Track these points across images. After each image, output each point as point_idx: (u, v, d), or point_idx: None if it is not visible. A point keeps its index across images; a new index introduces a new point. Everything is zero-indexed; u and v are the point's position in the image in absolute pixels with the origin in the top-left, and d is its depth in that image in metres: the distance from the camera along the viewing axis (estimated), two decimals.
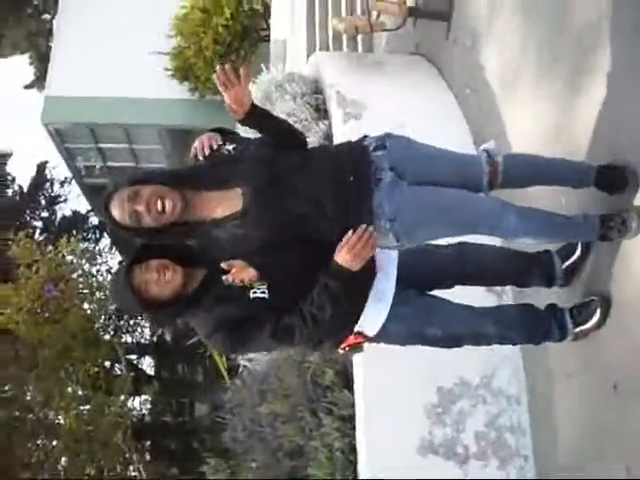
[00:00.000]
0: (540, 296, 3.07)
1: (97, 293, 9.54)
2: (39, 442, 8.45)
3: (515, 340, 2.94)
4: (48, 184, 17.97)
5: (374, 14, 5.75)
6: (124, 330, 12.34)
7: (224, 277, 2.31)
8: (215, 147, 2.55)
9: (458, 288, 2.88)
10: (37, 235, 15.64)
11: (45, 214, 17.84)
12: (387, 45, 6.03)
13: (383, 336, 2.63)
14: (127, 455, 8.78)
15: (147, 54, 11.72)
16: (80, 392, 8.92)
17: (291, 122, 4.73)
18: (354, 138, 2.71)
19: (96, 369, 9.32)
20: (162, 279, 2.37)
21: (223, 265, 2.32)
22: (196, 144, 2.61)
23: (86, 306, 9.49)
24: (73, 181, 16.51)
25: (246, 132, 2.88)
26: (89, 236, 16.84)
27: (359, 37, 6.48)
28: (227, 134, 2.65)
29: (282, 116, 4.84)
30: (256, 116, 2.52)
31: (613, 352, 2.78)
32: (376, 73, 5.15)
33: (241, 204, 2.44)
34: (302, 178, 2.47)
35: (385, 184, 2.51)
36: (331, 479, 3.73)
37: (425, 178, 2.61)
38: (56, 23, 14.16)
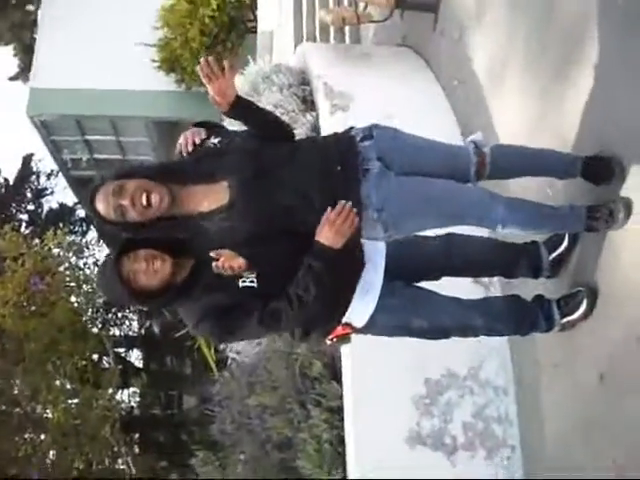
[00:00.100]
0: (527, 287, 3.08)
1: (84, 286, 9.48)
2: (26, 436, 8.39)
3: (502, 331, 2.95)
4: (34, 177, 17.85)
5: (361, 5, 5.73)
6: (112, 323, 12.29)
7: (213, 264, 2.30)
8: (198, 142, 2.54)
9: (445, 279, 2.89)
10: (23, 228, 15.53)
11: (31, 207, 17.73)
12: (374, 37, 6.02)
13: (370, 327, 2.63)
14: (115, 448, 8.75)
15: (133, 45, 11.64)
16: (68, 385, 8.88)
17: (278, 114, 4.76)
18: (341, 130, 2.71)
19: (84, 362, 9.27)
20: (151, 269, 2.36)
21: (212, 254, 2.31)
22: (180, 140, 2.60)
23: (73, 299, 9.43)
24: (59, 174, 16.41)
25: (231, 124, 2.87)
26: (76, 229, 16.75)
27: (346, 28, 6.45)
28: (212, 127, 2.64)
29: (269, 107, 4.83)
30: (241, 108, 2.51)
31: (600, 343, 2.79)
32: (363, 65, 5.13)
33: (227, 197, 2.43)
34: (289, 170, 2.46)
35: (373, 174, 2.51)
36: (319, 471, 3.74)
37: (412, 169, 2.61)
38: (40, 14, 14.03)
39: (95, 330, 10.12)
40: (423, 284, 2.80)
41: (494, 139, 3.69)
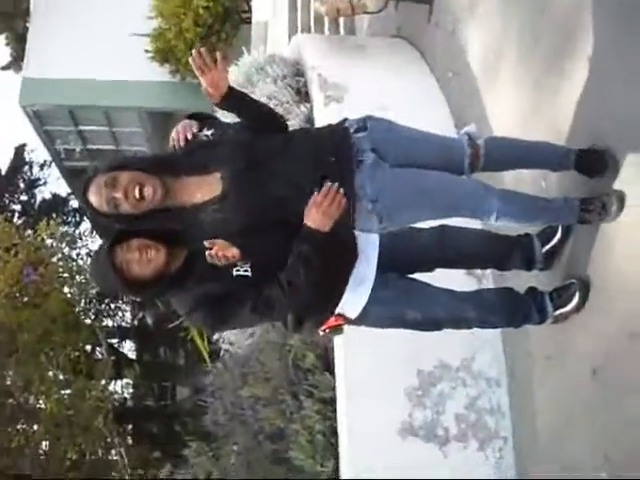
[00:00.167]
0: (520, 279, 3.09)
1: (77, 277, 9.48)
2: (19, 427, 8.40)
3: (495, 323, 2.96)
4: (27, 167, 17.82)
5: None
6: (105, 314, 12.29)
7: (206, 253, 2.30)
8: (190, 137, 2.53)
9: (439, 271, 2.89)
10: (16, 219, 15.50)
11: (24, 197, 17.69)
12: (369, 28, 6.01)
13: (363, 318, 2.64)
14: (109, 439, 8.76)
15: (127, 36, 11.59)
16: (61, 376, 8.88)
17: (272, 105, 4.75)
18: (335, 121, 2.70)
19: (77, 353, 9.28)
20: (144, 258, 2.36)
21: (205, 243, 2.31)
22: (173, 134, 2.59)
23: (66, 290, 9.42)
24: (52, 164, 16.36)
25: (224, 116, 2.86)
26: (69, 219, 16.74)
27: (341, 20, 6.43)
28: (205, 119, 2.63)
29: (263, 99, 4.82)
30: (233, 99, 2.50)
31: (592, 335, 2.80)
32: (358, 56, 5.12)
33: (220, 188, 2.43)
34: (282, 161, 2.46)
35: (367, 165, 2.51)
36: (312, 461, 3.75)
37: (407, 160, 2.61)
38: (33, 3, 13.94)
39: (88, 321, 10.12)
40: (416, 276, 2.80)
41: (488, 131, 3.69)
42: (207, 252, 2.30)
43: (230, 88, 2.47)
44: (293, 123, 4.57)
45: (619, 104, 2.74)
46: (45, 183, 17.98)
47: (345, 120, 2.65)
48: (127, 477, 8.71)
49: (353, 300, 2.57)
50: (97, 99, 12.67)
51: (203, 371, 5.74)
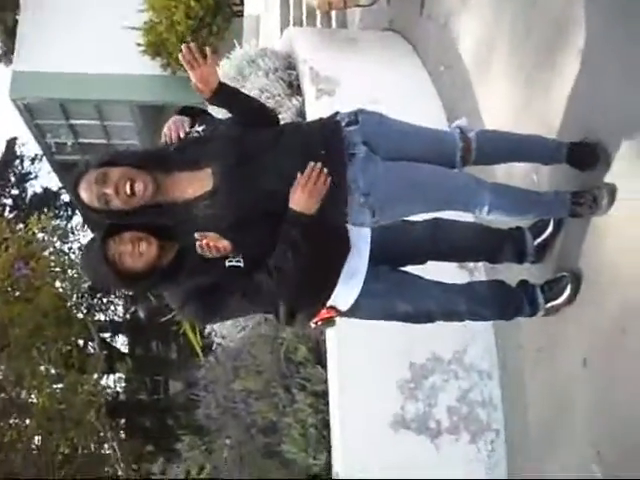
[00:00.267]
0: (512, 272, 3.09)
1: (69, 271, 9.45)
2: (11, 421, 8.39)
3: (487, 316, 2.97)
4: (18, 161, 17.73)
5: None
6: (97, 308, 12.28)
7: (197, 244, 2.30)
8: (183, 136, 2.52)
9: (430, 264, 2.90)
10: (7, 213, 15.45)
11: (15, 191, 17.62)
12: (361, 21, 5.99)
13: (355, 311, 2.64)
14: (101, 433, 8.75)
15: (118, 29, 11.52)
16: (53, 371, 8.86)
17: (264, 98, 4.74)
18: (327, 115, 2.70)
19: (69, 348, 9.26)
20: (136, 251, 2.36)
21: (196, 235, 2.31)
22: (165, 130, 2.58)
23: (58, 284, 9.40)
24: (44, 158, 16.27)
25: (215, 111, 2.85)
26: (60, 213, 16.69)
27: (333, 13, 6.42)
28: (196, 114, 2.62)
29: (255, 92, 4.81)
30: (224, 94, 2.50)
31: (584, 328, 2.81)
32: (350, 49, 5.12)
33: (211, 184, 2.42)
34: (273, 155, 2.45)
35: (359, 159, 2.51)
36: (304, 454, 3.75)
37: (398, 154, 2.61)
38: None
39: (80, 315, 10.10)
40: (408, 268, 2.81)
41: (480, 124, 3.69)
42: (197, 244, 2.30)
43: (220, 83, 2.47)
44: (285, 116, 4.57)
45: (611, 97, 2.75)
46: (36, 177, 17.92)
47: (336, 114, 2.64)
48: (120, 471, 8.70)
49: (345, 292, 2.58)
50: (88, 93, 12.60)
51: (195, 365, 5.74)
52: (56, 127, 14.19)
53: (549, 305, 2.86)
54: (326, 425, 3.71)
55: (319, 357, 3.92)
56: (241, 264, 2.40)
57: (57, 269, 9.38)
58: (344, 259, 2.55)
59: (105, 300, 12.60)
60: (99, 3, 12.24)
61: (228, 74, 5.35)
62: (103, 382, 10.00)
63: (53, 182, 17.64)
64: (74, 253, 9.84)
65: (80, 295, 10.10)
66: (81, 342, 10.47)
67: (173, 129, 2.55)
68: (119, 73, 12.20)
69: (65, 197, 17.24)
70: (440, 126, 2.93)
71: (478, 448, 3.50)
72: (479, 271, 3.65)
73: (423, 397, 3.53)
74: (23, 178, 17.80)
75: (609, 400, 2.64)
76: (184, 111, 2.65)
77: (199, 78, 2.42)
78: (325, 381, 3.75)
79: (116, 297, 12.96)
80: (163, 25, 11.14)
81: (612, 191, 2.64)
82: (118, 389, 12.99)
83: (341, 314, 2.65)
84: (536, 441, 3.20)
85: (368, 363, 3.58)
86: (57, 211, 16.55)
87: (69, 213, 16.77)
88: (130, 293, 11.99)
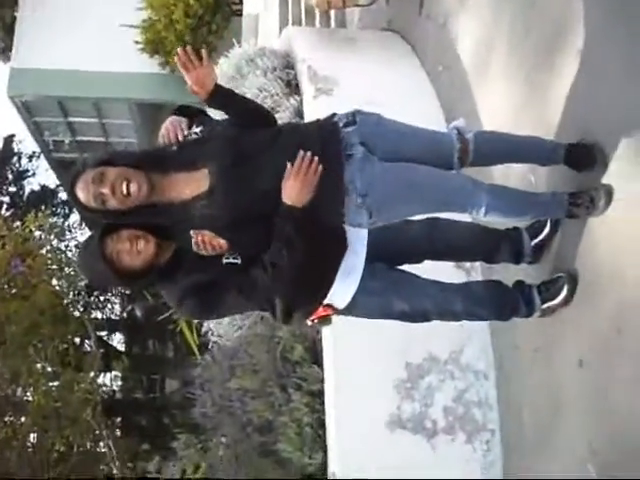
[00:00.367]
0: (508, 273, 3.10)
1: (66, 269, 9.44)
2: (7, 419, 8.38)
3: (483, 316, 2.97)
4: (15, 158, 17.71)
5: None
6: (94, 306, 12.27)
7: (192, 241, 2.30)
8: (181, 138, 2.52)
9: (427, 264, 2.90)
10: (4, 210, 15.43)
11: (13, 189, 17.60)
12: (360, 21, 6.00)
13: (352, 309, 2.65)
14: (97, 431, 8.74)
15: (117, 26, 11.51)
16: (49, 369, 8.85)
17: (262, 97, 4.74)
18: (325, 114, 2.70)
19: (65, 345, 9.25)
20: (134, 249, 2.37)
21: (191, 232, 2.31)
22: (162, 131, 2.58)
23: (55, 282, 9.39)
24: (41, 155, 16.25)
25: (210, 110, 2.84)
26: (58, 211, 16.67)
27: (332, 12, 6.42)
28: (193, 114, 2.62)
29: (253, 91, 4.81)
30: (220, 96, 2.51)
31: (580, 329, 2.81)
32: (348, 49, 5.12)
33: (208, 184, 2.43)
34: (269, 155, 2.45)
35: (356, 159, 2.51)
36: (300, 453, 3.75)
37: (396, 155, 2.60)
38: None
39: (77, 313, 10.09)
40: (405, 267, 2.81)
41: (478, 125, 3.70)
42: (193, 240, 2.30)
43: (216, 85, 2.48)
44: (283, 116, 4.57)
45: (609, 98, 2.75)
46: (34, 174, 17.90)
47: (334, 115, 2.64)
48: (115, 470, 8.70)
49: (342, 290, 2.58)
50: (86, 90, 12.58)
51: (192, 363, 5.74)
52: (54, 124, 14.17)
53: (545, 306, 2.87)
54: (322, 424, 3.71)
55: (315, 356, 3.92)
56: (238, 261, 2.41)
57: (54, 267, 9.37)
58: (341, 257, 2.55)
59: (102, 298, 12.60)
60: (98, 1, 12.22)
61: (227, 73, 5.35)
62: (99, 380, 10.02)
63: (51, 180, 17.60)
64: (71, 251, 9.84)
65: (77, 293, 10.09)
66: (77, 340, 10.47)
67: (171, 130, 2.55)
68: (117, 71, 12.18)
69: (62, 195, 17.22)
70: (438, 126, 2.93)
71: (474, 448, 3.51)
72: (476, 271, 3.66)
73: (419, 397, 3.53)
74: (20, 175, 17.78)
75: (605, 400, 2.64)
76: (181, 111, 2.65)
77: (195, 80, 2.43)
78: (321, 380, 3.75)
79: (113, 295, 12.95)
80: (162, 23, 11.13)
81: (609, 192, 2.65)
82: (114, 387, 13.00)
83: (338, 312, 2.65)
84: (532, 441, 3.20)
85: (364, 363, 3.59)
86: (54, 209, 16.53)
87: (66, 211, 16.75)
88: (127, 291, 12.00)
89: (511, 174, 3.24)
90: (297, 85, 4.86)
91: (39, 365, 8.70)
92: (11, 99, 13.03)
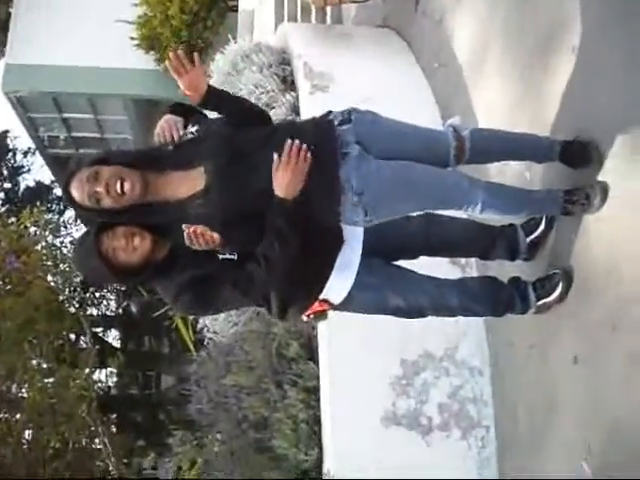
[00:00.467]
0: (504, 269, 3.10)
1: (61, 265, 9.42)
2: (2, 415, 8.36)
3: (478, 312, 2.98)
4: (10, 154, 17.65)
5: None
6: (89, 302, 12.24)
7: (185, 234, 2.30)
8: (176, 137, 2.52)
9: (423, 260, 2.90)
10: None
11: (7, 185, 17.55)
12: (355, 17, 5.99)
13: (347, 304, 2.65)
14: (92, 428, 8.73)
15: (112, 22, 11.48)
16: (44, 365, 8.84)
17: (258, 93, 4.73)
18: (321, 111, 2.70)
19: (60, 342, 9.24)
20: (130, 246, 2.37)
21: (183, 226, 2.31)
22: (158, 130, 2.57)
23: (50, 278, 9.37)
24: (36, 151, 16.20)
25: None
26: (53, 207, 16.62)
27: (328, 8, 6.41)
28: (189, 113, 2.62)
29: (249, 87, 4.80)
30: (213, 98, 2.51)
31: (575, 325, 2.82)
32: (344, 45, 5.11)
33: (203, 183, 2.42)
34: (264, 153, 2.45)
35: (352, 157, 2.51)
36: (295, 450, 3.76)
37: (391, 153, 2.60)
38: None
39: (72, 309, 10.07)
40: (401, 263, 2.81)
41: (474, 122, 3.70)
42: (185, 233, 2.30)
43: (209, 87, 2.48)
44: (278, 112, 4.56)
45: (605, 96, 2.75)
46: (29, 171, 17.85)
47: (329, 113, 2.64)
48: (111, 466, 8.69)
49: (338, 285, 2.58)
50: (81, 86, 12.54)
51: (187, 360, 5.74)
52: (49, 120, 14.13)
53: (540, 302, 2.87)
54: (317, 421, 3.71)
55: (311, 353, 3.92)
56: (234, 257, 2.41)
57: (49, 263, 9.34)
58: (336, 253, 2.55)
59: (97, 294, 12.56)
60: None
61: (222, 69, 5.35)
62: (95, 377, 9.99)
63: (46, 176, 17.60)
64: (66, 247, 9.81)
65: (72, 289, 10.07)
66: (73, 336, 10.45)
67: (166, 129, 2.55)
68: (113, 67, 12.14)
69: (58, 191, 17.17)
70: (434, 123, 2.93)
71: (469, 444, 3.52)
72: (471, 267, 3.67)
73: (414, 393, 3.54)
74: (15, 172, 17.73)
75: (600, 398, 2.65)
76: (176, 109, 2.64)
77: (187, 84, 2.44)
78: (317, 377, 3.76)
79: (108, 292, 12.93)
80: (157, 19, 11.10)
81: (604, 189, 2.65)
82: (110, 384, 12.98)
83: (334, 307, 2.66)
84: (526, 438, 3.21)
85: (360, 359, 3.59)
86: (49, 205, 16.48)
87: (61, 207, 16.69)
88: (123, 287, 11.99)
89: (507, 171, 3.25)
90: (293, 81, 4.85)
91: (34, 361, 8.68)
92: (6, 95, 12.99)
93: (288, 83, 4.90)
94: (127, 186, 2.33)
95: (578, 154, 2.79)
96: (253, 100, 4.70)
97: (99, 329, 13.32)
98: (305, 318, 2.70)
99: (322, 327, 3.64)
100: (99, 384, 10.68)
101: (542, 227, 2.99)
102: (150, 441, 11.06)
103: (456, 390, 3.57)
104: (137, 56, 11.79)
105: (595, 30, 2.85)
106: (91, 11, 12.03)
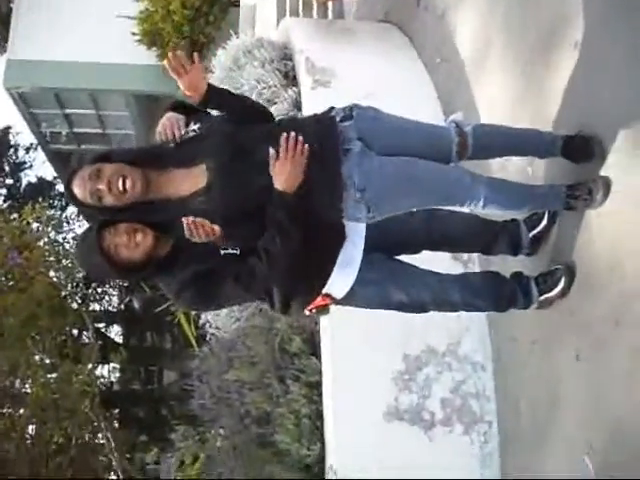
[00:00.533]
0: (506, 264, 3.10)
1: (64, 261, 9.44)
2: (5, 411, 8.39)
3: (481, 307, 2.97)
4: (12, 150, 17.66)
5: None
6: (92, 298, 12.26)
7: (184, 225, 2.30)
8: (178, 136, 2.52)
9: (424, 255, 2.90)
10: (1, 202, 15.42)
11: (9, 181, 17.56)
12: (357, 12, 5.98)
13: (350, 299, 2.66)
14: (95, 423, 8.76)
15: (114, 18, 11.47)
16: (47, 360, 8.86)
17: (260, 88, 4.72)
18: (323, 106, 2.70)
19: (63, 337, 9.26)
20: (132, 242, 2.37)
21: (183, 219, 2.31)
22: (159, 128, 2.57)
23: (52, 274, 9.38)
24: (38, 147, 16.20)
25: None
26: (55, 203, 16.63)
27: (329, 3, 6.41)
28: (190, 110, 2.62)
29: (251, 82, 4.80)
30: (215, 97, 2.52)
31: (577, 321, 2.82)
32: (346, 41, 5.10)
33: (205, 180, 2.43)
34: (265, 150, 2.45)
35: (354, 154, 2.51)
36: (298, 445, 3.76)
37: (393, 149, 2.60)
38: None
39: (75, 305, 10.09)
40: (402, 258, 2.81)
41: (476, 117, 3.69)
42: (185, 224, 2.30)
43: (209, 87, 2.48)
44: (280, 107, 4.56)
45: (608, 91, 2.75)
46: (31, 166, 17.86)
47: (331, 109, 2.64)
48: (114, 461, 8.72)
49: (340, 281, 2.58)
50: (83, 82, 12.54)
51: (190, 355, 5.75)
52: (51, 116, 14.13)
53: (543, 298, 2.87)
54: (320, 416, 3.72)
55: (313, 348, 3.92)
56: (237, 251, 2.41)
57: (51, 259, 9.36)
58: (338, 249, 2.55)
59: (100, 290, 12.59)
60: None
61: (224, 64, 5.34)
62: (97, 372, 10.01)
63: (48, 172, 17.58)
64: (68, 243, 9.84)
65: (74, 285, 10.09)
66: (75, 332, 10.48)
67: (168, 127, 2.55)
68: (114, 62, 12.13)
69: (60, 187, 17.19)
70: (436, 118, 2.93)
71: (471, 439, 3.52)
72: (473, 263, 3.66)
73: (417, 389, 3.54)
74: (17, 167, 17.73)
75: (602, 393, 2.65)
76: (177, 107, 2.64)
77: (187, 85, 2.44)
78: (319, 372, 3.76)
79: (111, 287, 12.95)
80: (159, 14, 11.09)
81: (607, 184, 2.65)
82: (112, 379, 13.02)
83: (336, 302, 2.66)
84: (529, 433, 3.21)
85: (362, 354, 3.59)
86: (52, 201, 16.49)
87: (63, 203, 16.69)
88: (125, 283, 12.01)
89: (509, 166, 3.24)
90: (295, 77, 4.84)
91: (37, 357, 8.71)
92: (7, 91, 12.98)
93: (290, 78, 4.89)
94: (129, 183, 2.33)
95: (580, 149, 2.78)
96: (255, 95, 4.70)
97: (101, 325, 13.35)
98: (307, 312, 2.71)
99: (324, 322, 3.64)
100: (102, 379, 10.71)
101: (544, 222, 2.98)
102: (153, 436, 11.09)
103: (458, 385, 3.57)
104: (139, 51, 11.78)
105: (597, 25, 2.84)
106: (92, 6, 12.02)
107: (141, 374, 14.73)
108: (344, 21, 6.16)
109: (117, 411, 12.09)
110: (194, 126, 2.52)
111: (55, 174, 17.01)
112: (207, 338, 5.31)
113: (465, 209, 2.85)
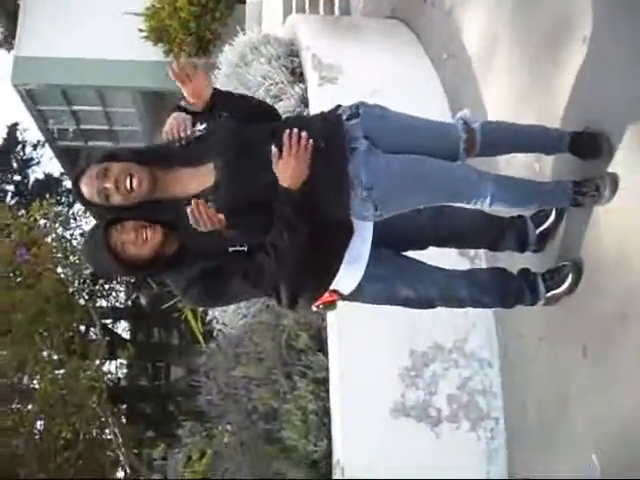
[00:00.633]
0: (513, 261, 3.10)
1: (71, 257, 9.47)
2: (14, 406, 8.43)
3: (488, 303, 2.97)
4: (20, 147, 17.72)
5: None
6: (99, 294, 12.30)
7: (188, 211, 2.29)
8: (185, 136, 2.52)
9: (431, 252, 2.90)
10: (9, 199, 15.47)
11: (17, 178, 17.63)
12: (364, 8, 5.97)
13: (357, 295, 2.66)
14: (103, 419, 8.79)
15: (121, 14, 11.48)
16: (55, 356, 8.90)
17: (266, 85, 4.72)
18: (330, 102, 2.70)
19: (71, 333, 9.29)
20: (140, 239, 2.37)
21: (187, 209, 2.30)
22: (166, 128, 2.58)
23: (60, 270, 9.41)
24: (46, 144, 16.25)
25: None
26: (62, 200, 16.69)
27: (336, 0, 6.40)
28: (197, 110, 2.62)
29: (258, 79, 4.80)
30: (220, 102, 2.53)
31: (584, 317, 2.82)
32: (352, 37, 5.09)
33: (213, 178, 2.43)
34: (272, 147, 2.45)
35: (360, 152, 2.51)
36: (305, 441, 3.77)
37: (400, 147, 2.60)
38: None
39: (82, 301, 10.11)
40: (410, 254, 2.81)
41: (483, 113, 3.69)
42: (189, 211, 2.29)
43: (214, 94, 2.49)
44: (287, 104, 4.56)
45: (614, 87, 2.74)
46: (38, 163, 17.93)
47: (338, 107, 2.64)
48: (121, 456, 8.75)
49: (347, 277, 2.59)
50: (90, 78, 12.57)
51: (197, 351, 5.76)
52: (58, 113, 14.17)
53: (550, 294, 2.87)
54: (327, 412, 3.72)
55: (320, 344, 3.93)
56: (245, 248, 2.41)
57: (59, 255, 9.39)
58: (346, 245, 2.55)
59: (107, 286, 12.62)
60: None
61: (231, 61, 5.34)
62: (105, 368, 10.04)
63: (55, 168, 17.64)
64: (76, 239, 9.87)
65: (82, 281, 10.12)
66: (83, 328, 10.50)
67: (175, 126, 2.55)
68: (121, 59, 12.15)
69: (67, 183, 17.24)
70: (443, 114, 2.92)
71: (478, 436, 3.52)
72: (480, 259, 3.66)
73: (424, 385, 3.55)
74: (25, 164, 17.80)
75: (609, 390, 2.65)
76: (184, 107, 2.64)
77: (191, 93, 2.46)
78: (326, 368, 3.76)
79: (118, 283, 12.98)
80: (166, 11, 11.10)
81: (614, 180, 2.64)
82: (120, 375, 13.05)
83: (343, 298, 2.66)
84: (535, 430, 3.21)
85: (369, 351, 3.60)
86: (59, 197, 16.55)
87: (71, 199, 16.75)
88: (132, 279, 12.04)
89: (516, 163, 3.24)
90: (301, 73, 4.84)
91: (45, 353, 8.74)
92: (15, 87, 13.02)
93: (297, 75, 4.88)
94: (136, 182, 2.34)
95: (588, 145, 2.78)
96: (262, 92, 4.70)
97: (109, 321, 13.39)
98: (314, 308, 2.71)
99: (331, 318, 3.64)
100: (109, 375, 10.73)
101: (552, 218, 2.98)
102: (160, 432, 11.13)
103: (465, 382, 3.57)
104: (145, 48, 11.80)
105: (604, 23, 2.83)
106: (99, 3, 12.04)
107: (148, 370, 14.77)
108: (351, 17, 6.15)
109: (124, 407, 12.13)
110: (201, 126, 2.53)
111: (62, 171, 17.08)
112: (214, 334, 5.32)
113: (472, 206, 2.85)
